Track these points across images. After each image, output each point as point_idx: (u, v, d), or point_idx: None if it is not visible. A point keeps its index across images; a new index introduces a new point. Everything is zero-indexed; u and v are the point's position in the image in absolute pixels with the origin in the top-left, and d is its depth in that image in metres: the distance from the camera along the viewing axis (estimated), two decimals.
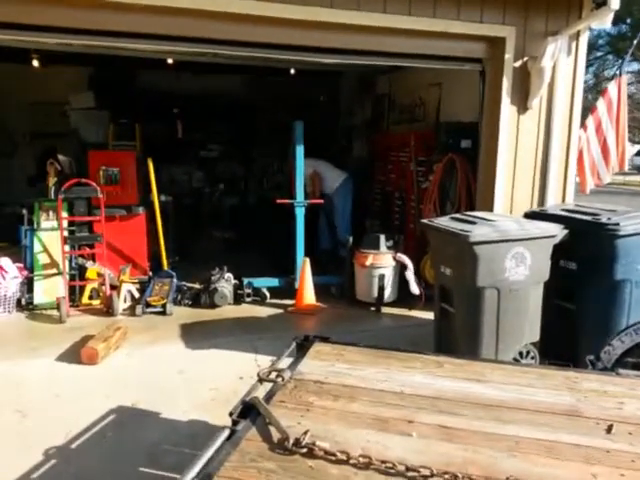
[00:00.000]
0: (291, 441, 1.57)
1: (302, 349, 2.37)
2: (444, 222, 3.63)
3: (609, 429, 1.78)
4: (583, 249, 3.54)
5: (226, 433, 1.65)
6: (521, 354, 3.54)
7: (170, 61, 7.10)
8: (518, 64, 4.71)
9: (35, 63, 7.41)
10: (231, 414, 1.77)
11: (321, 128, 8.98)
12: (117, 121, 7.02)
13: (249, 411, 1.77)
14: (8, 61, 7.30)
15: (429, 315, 4.29)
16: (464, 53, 4.73)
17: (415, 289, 5.23)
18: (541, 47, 4.55)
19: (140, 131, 6.93)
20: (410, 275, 5.24)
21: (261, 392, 1.97)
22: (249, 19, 3.97)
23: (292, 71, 7.72)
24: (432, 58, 4.70)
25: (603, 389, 2.08)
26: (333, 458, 1.52)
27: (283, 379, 2.02)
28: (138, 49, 4.32)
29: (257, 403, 1.78)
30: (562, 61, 4.74)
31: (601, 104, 5.07)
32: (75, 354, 4.05)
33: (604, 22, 4.44)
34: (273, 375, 2.04)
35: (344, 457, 1.52)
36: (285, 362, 2.24)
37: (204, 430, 2.94)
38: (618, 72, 5.24)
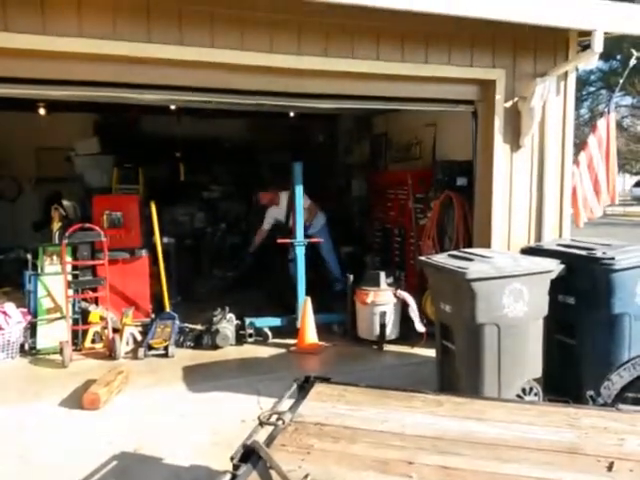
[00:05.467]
0: None
1: (303, 390, 2.39)
2: (441, 259, 3.69)
3: (610, 466, 1.78)
4: (580, 284, 3.58)
5: (227, 478, 1.67)
6: (524, 390, 3.53)
7: (172, 107, 7.32)
8: (509, 104, 4.86)
9: (41, 111, 7.64)
10: (232, 458, 1.78)
11: (320, 168, 9.16)
12: (121, 165, 7.19)
13: (250, 455, 1.78)
14: (15, 109, 7.54)
15: (432, 352, 4.28)
16: (456, 95, 4.88)
17: (420, 327, 5.22)
18: (530, 88, 4.71)
19: (143, 175, 7.09)
20: (413, 313, 5.24)
21: (263, 435, 1.98)
22: (248, 70, 4.14)
23: (291, 114, 7.93)
24: (426, 101, 4.86)
25: (603, 425, 2.09)
26: None
27: (284, 422, 2.04)
28: (143, 99, 4.48)
29: (258, 447, 1.79)
30: (552, 100, 4.90)
31: (592, 140, 5.21)
32: (77, 399, 4.04)
33: (590, 63, 4.62)
34: (274, 418, 2.06)
35: None
36: (286, 404, 2.25)
37: (206, 475, 2.92)
38: (607, 109, 5.40)
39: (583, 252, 3.66)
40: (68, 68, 3.84)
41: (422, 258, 3.88)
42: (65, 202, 6.29)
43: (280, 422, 2.03)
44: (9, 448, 3.41)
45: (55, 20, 3.64)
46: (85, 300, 5.46)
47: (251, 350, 5.32)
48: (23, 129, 8.13)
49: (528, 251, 4.07)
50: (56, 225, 5.88)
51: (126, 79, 4.01)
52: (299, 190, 5.65)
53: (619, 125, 23.43)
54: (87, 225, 5.44)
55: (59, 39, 3.64)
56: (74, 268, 5.51)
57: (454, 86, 4.77)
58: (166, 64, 3.98)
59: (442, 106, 5.04)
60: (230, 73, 4.16)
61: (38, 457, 3.30)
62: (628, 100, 23.49)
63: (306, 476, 1.62)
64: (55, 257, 5.52)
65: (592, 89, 24.48)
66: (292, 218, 5.93)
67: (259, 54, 4.05)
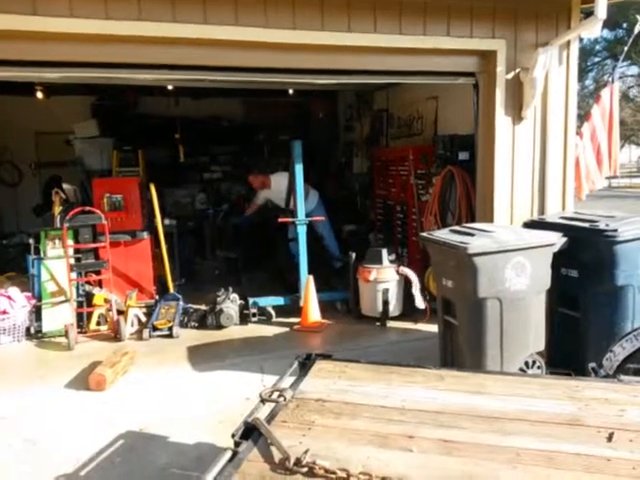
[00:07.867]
0: (292, 461, 1.59)
1: (304, 368, 2.40)
2: (443, 235, 3.65)
3: (610, 437, 1.79)
4: (583, 256, 3.54)
5: (228, 455, 1.68)
6: (527, 364, 3.53)
7: (170, 87, 7.24)
8: (510, 76, 4.76)
9: (39, 94, 7.57)
10: (233, 435, 1.79)
11: (321, 145, 9.10)
12: (120, 148, 7.16)
13: (251, 432, 1.79)
14: (13, 93, 7.48)
15: (435, 328, 4.28)
16: (456, 68, 4.79)
17: (421, 303, 5.23)
18: (532, 58, 4.61)
19: (143, 157, 7.05)
20: (415, 290, 5.24)
21: (265, 412, 1.99)
22: (243, 45, 4.06)
23: (290, 91, 7.83)
24: (425, 74, 4.76)
25: (604, 397, 2.08)
26: (333, 476, 1.54)
27: (285, 399, 2.05)
28: (137, 79, 4.42)
29: (259, 424, 1.80)
30: (554, 71, 4.80)
31: (596, 111, 5.12)
32: (83, 381, 4.08)
33: (593, 31, 4.49)
34: (275, 395, 2.07)
35: (344, 475, 1.53)
36: (288, 381, 2.26)
37: (211, 452, 2.95)
38: (611, 79, 5.29)
39: (586, 224, 3.61)
40: (60, 49, 3.77)
41: (423, 234, 3.85)
42: (65, 186, 6.27)
43: (281, 399, 2.04)
44: (15, 431, 3.45)
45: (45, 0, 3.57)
46: (89, 283, 5.48)
47: (255, 329, 5.35)
48: (22, 114, 8.08)
49: (531, 224, 4.02)
50: (57, 209, 5.87)
51: (119, 59, 3.95)
52: (299, 168, 5.60)
53: (625, 95, 23.02)
54: (88, 208, 5.44)
55: (49, 19, 3.57)
56: (76, 251, 5.52)
57: (454, 58, 4.67)
58: (160, 42, 3.90)
59: (442, 79, 4.95)
60: (225, 50, 4.09)
61: (45, 439, 3.34)
62: (634, 70, 23.04)
63: (306, 451, 1.62)
64: (57, 241, 5.52)
65: (597, 59, 24.01)
66: (292, 198, 5.89)
67: (254, 29, 3.96)
